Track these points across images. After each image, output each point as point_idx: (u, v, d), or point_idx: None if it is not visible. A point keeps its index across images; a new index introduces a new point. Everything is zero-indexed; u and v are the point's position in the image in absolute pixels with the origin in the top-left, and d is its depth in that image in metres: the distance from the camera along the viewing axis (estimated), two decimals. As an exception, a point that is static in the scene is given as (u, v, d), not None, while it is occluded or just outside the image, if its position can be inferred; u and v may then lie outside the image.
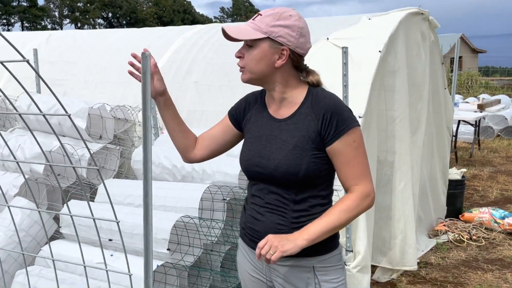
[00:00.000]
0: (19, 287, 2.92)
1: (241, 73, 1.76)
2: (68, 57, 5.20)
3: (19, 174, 3.86)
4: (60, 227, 3.40)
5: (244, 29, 1.69)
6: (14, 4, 57.43)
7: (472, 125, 8.49)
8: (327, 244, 1.75)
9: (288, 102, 1.76)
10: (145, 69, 1.90)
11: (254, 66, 1.70)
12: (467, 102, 10.30)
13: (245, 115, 1.89)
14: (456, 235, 5.00)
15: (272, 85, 1.75)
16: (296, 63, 1.73)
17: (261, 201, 1.79)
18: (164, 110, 1.86)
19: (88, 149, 1.52)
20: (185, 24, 69.61)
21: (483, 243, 4.89)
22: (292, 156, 1.69)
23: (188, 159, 1.97)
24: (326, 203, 1.78)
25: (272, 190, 1.76)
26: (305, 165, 1.67)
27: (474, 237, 4.98)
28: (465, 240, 4.92)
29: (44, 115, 1.43)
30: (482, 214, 5.31)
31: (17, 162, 1.63)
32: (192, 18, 73.34)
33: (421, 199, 4.59)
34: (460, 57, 18.39)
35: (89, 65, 5.01)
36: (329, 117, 1.66)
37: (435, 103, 4.81)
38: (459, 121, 8.27)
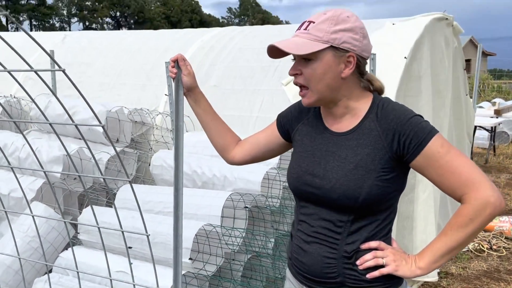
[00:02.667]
0: (38, 295, 2.87)
1: (301, 97, 1.54)
2: (83, 58, 5.16)
3: (36, 178, 3.81)
4: (78, 233, 3.35)
5: (300, 42, 1.46)
6: (23, 2, 57.73)
7: (488, 130, 8.39)
8: (392, 279, 1.54)
9: (350, 116, 1.54)
10: (177, 78, 1.86)
11: (319, 82, 1.48)
12: (481, 107, 10.19)
13: (295, 125, 1.69)
14: (476, 245, 4.91)
15: (336, 101, 1.53)
16: (362, 69, 1.53)
17: (308, 228, 1.57)
18: (194, 106, 1.78)
19: (117, 153, 1.46)
20: (192, 24, 69.73)
21: (504, 253, 4.80)
22: (353, 176, 1.45)
23: (227, 160, 1.86)
24: (385, 234, 1.54)
25: (323, 216, 1.53)
26: (366, 189, 1.44)
27: (494, 247, 4.89)
28: (485, 249, 4.84)
29: (71, 118, 1.37)
30: (502, 223, 5.22)
31: (41, 165, 1.58)
32: (199, 18, 73.50)
33: (440, 207, 4.51)
34: (468, 60, 18.28)
35: (105, 67, 4.97)
36: (404, 131, 1.43)
37: (457, 109, 4.73)
38: (475, 126, 8.18)
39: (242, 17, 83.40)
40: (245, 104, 3.93)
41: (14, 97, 4.71)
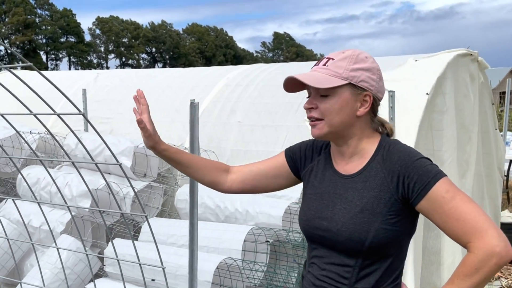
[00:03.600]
0: (64, 326, 3.00)
1: (312, 127, 1.54)
2: (115, 96, 5.42)
3: (66, 211, 4.01)
4: (104, 265, 3.50)
5: (320, 77, 1.50)
6: (62, 40, 60.39)
7: (525, 165, 8.24)
8: None
9: (357, 157, 1.55)
10: (192, 118, 1.99)
11: (335, 117, 1.49)
12: (519, 141, 10.00)
13: (306, 164, 1.69)
14: (510, 281, 4.81)
15: (347, 139, 1.55)
16: (375, 110, 1.56)
17: (318, 271, 1.57)
18: (166, 160, 1.77)
19: (134, 191, 1.60)
20: (226, 58, 71.22)
21: (540, 293, 4.69)
22: (359, 220, 1.47)
23: (222, 191, 1.82)
24: (393, 280, 1.53)
25: (332, 260, 1.53)
26: (373, 232, 1.45)
27: (529, 286, 4.79)
28: (520, 289, 4.73)
29: (92, 157, 1.52)
30: (538, 261, 5.10)
31: (65, 201, 1.72)
32: (233, 52, 75.04)
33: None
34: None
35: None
36: (408, 174, 1.43)
37: (485, 144, 4.73)
38: (510, 160, 8.05)
39: (276, 51, 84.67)
40: (268, 140, 4.05)
41: (48, 133, 4.98)
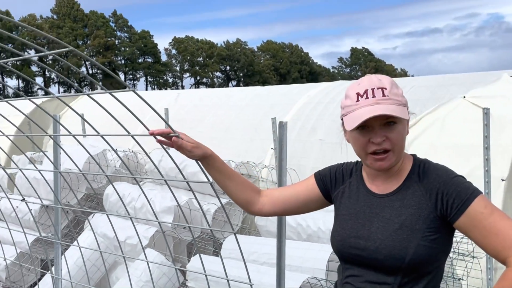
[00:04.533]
0: None
1: (379, 160, 1.55)
2: (194, 115, 5.67)
3: (149, 226, 4.22)
4: (187, 280, 3.64)
5: (395, 108, 1.53)
6: (140, 60, 63.40)
7: None
8: None
9: (396, 177, 1.61)
10: (281, 137, 2.07)
11: (401, 145, 1.57)
12: None
13: (337, 187, 1.76)
14: None
15: (397, 162, 1.59)
16: None
17: None
18: (208, 169, 1.81)
19: (222, 206, 1.69)
20: (301, 75, 71.51)
21: None
22: (398, 237, 1.52)
23: (252, 212, 1.90)
24: None
25: (368, 279, 1.57)
26: (413, 249, 1.50)
27: None
28: None
29: (183, 174, 1.63)
30: None
31: (155, 215, 1.84)
32: (309, 69, 75.19)
33: None
34: None
35: (215, 122, 5.41)
36: (447, 191, 1.51)
37: None
38: None
39: (354, 66, 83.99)
40: (350, 159, 4.07)
41: (132, 151, 5.27)
